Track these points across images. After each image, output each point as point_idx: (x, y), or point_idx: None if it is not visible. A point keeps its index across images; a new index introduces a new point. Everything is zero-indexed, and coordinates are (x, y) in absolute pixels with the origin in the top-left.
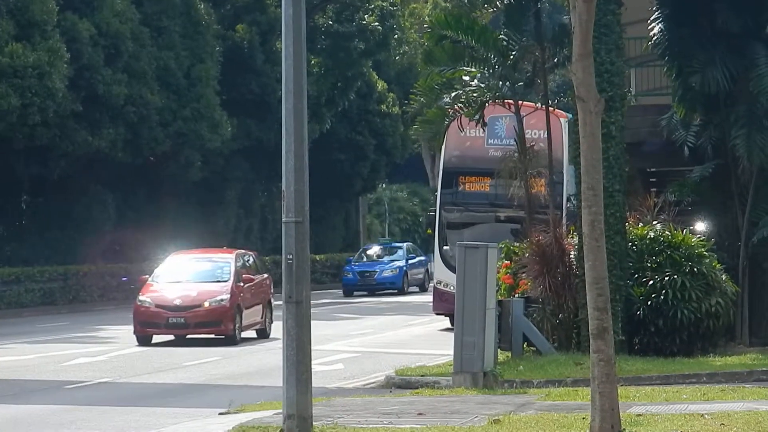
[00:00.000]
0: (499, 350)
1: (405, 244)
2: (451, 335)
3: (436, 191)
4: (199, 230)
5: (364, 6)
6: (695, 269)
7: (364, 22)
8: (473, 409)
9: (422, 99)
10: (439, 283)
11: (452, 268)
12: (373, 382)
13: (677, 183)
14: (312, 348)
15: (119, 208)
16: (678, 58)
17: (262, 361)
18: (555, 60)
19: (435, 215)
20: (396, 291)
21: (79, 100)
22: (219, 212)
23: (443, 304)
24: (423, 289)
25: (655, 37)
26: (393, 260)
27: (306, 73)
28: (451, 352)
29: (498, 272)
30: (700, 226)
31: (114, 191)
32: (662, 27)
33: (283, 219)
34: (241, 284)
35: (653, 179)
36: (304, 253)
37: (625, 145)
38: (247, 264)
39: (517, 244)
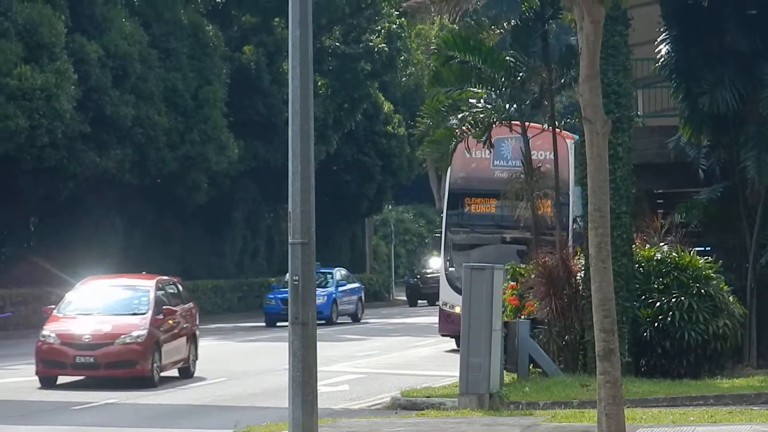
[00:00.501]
0: (505, 372)
1: (336, 270)
2: (458, 356)
3: (442, 213)
4: (206, 252)
5: (371, 27)
6: (702, 291)
7: (371, 44)
8: (479, 430)
9: (429, 121)
10: (445, 304)
11: (458, 290)
12: (378, 404)
13: (685, 204)
14: (318, 369)
15: (126, 229)
16: (686, 78)
17: (267, 383)
18: (562, 81)
19: (441, 237)
20: (324, 321)
21: (86, 122)
22: (226, 233)
23: (449, 326)
24: (355, 320)
25: (663, 59)
26: (321, 287)
27: (313, 94)
28: (457, 373)
29: (504, 293)
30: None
31: (121, 213)
32: (670, 48)
33: (290, 240)
34: (161, 317)
35: (660, 200)
36: (311, 275)
37: (632, 166)
38: (170, 292)
39: (524, 266)
